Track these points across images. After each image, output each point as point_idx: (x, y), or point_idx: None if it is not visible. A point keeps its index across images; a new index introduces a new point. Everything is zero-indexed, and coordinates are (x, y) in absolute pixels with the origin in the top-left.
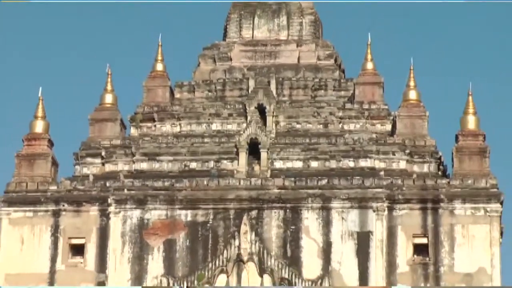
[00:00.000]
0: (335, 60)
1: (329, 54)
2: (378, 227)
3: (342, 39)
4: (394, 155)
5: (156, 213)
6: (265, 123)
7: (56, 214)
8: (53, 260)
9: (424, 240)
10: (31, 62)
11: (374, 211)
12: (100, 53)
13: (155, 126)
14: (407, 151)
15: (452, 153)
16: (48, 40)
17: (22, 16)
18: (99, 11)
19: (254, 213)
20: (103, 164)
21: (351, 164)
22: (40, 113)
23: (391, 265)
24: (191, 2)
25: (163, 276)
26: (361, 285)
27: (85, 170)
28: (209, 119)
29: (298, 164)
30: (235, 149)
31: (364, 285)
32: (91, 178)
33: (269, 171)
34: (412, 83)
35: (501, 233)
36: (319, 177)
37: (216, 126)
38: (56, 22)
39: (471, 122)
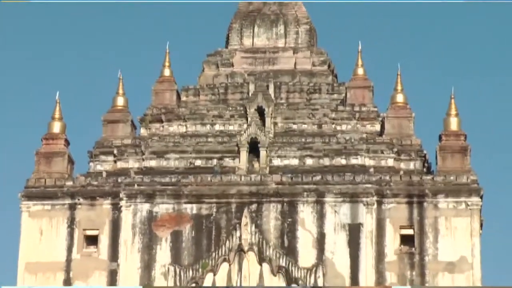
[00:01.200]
0: (328, 66)
1: (323, 60)
2: (368, 220)
3: (335, 46)
4: (383, 153)
5: (164, 207)
6: (264, 124)
7: (72, 207)
8: (69, 249)
9: (410, 232)
10: (45, 64)
11: (364, 205)
12: (112, 59)
13: (163, 126)
14: (395, 149)
15: (436, 152)
16: (55, 42)
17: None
18: (110, 17)
19: (254, 206)
20: (115, 161)
21: (343, 161)
22: (57, 114)
23: (379, 255)
24: (196, 12)
25: (170, 264)
26: (352, 273)
27: (99, 167)
28: (212, 120)
29: (295, 162)
30: (237, 148)
31: (355, 273)
32: (104, 174)
33: (267, 168)
34: (399, 87)
35: (481, 225)
36: (314, 174)
37: (219, 126)
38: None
39: (453, 123)
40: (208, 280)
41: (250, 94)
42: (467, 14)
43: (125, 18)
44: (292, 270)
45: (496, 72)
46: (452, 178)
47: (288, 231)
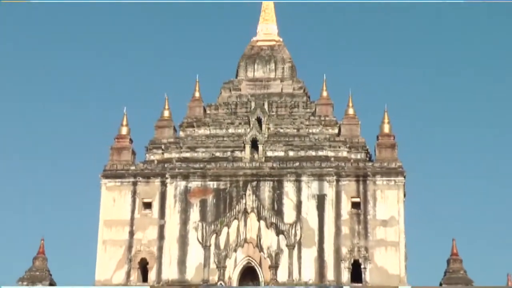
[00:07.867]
0: (304, 90)
1: (300, 86)
2: (330, 192)
3: (308, 77)
4: (339, 148)
5: (195, 183)
6: (261, 128)
7: (134, 184)
8: (133, 211)
9: (357, 200)
10: (113, 87)
11: (327, 182)
12: (161, 86)
13: (194, 130)
14: (347, 145)
15: (375, 147)
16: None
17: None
18: (156, 53)
19: (254, 183)
20: (162, 153)
21: (313, 153)
22: (124, 122)
23: (337, 215)
24: (216, 54)
25: (199, 221)
26: (319, 227)
27: (152, 157)
28: (227, 126)
29: (281, 154)
30: (243, 144)
31: (321, 227)
32: (155, 162)
33: (263, 157)
34: (350, 104)
35: (404, 195)
36: (294, 162)
37: (231, 130)
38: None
39: (386, 128)
40: (224, 231)
41: (252, 109)
42: (403, 50)
43: (166, 55)
44: (280, 225)
45: (419, 90)
46: (385, 164)
47: (277, 199)
